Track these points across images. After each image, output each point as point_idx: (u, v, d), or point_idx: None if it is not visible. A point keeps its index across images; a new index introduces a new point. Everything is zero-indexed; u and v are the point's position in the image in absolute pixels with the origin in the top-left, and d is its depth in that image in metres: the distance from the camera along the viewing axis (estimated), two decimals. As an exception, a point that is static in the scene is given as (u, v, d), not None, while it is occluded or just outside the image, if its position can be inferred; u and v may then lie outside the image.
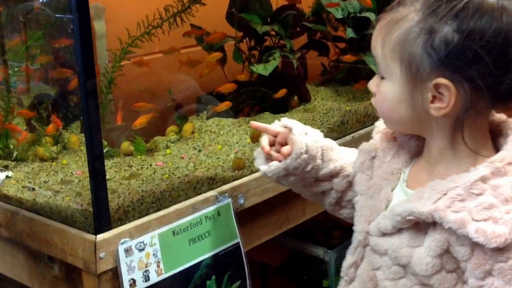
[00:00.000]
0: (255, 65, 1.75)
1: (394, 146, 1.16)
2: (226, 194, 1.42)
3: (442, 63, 0.98)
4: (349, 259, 1.15)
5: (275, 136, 1.23)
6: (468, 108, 1.00)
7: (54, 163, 1.48)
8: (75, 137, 1.53)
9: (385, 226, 1.06)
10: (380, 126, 1.20)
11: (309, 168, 1.21)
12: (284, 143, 1.22)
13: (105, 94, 1.55)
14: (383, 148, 1.16)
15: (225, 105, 1.68)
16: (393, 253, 1.05)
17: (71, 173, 1.43)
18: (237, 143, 1.58)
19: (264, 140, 1.23)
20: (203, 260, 1.35)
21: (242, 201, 1.45)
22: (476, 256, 0.97)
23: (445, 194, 0.99)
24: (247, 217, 1.48)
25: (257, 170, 1.50)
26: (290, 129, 1.22)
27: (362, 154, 1.19)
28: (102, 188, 1.25)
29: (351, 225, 1.22)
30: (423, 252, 1.02)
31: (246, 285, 1.42)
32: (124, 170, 1.43)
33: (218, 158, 1.51)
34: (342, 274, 1.16)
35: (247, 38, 1.85)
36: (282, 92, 1.76)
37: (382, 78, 1.07)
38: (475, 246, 0.97)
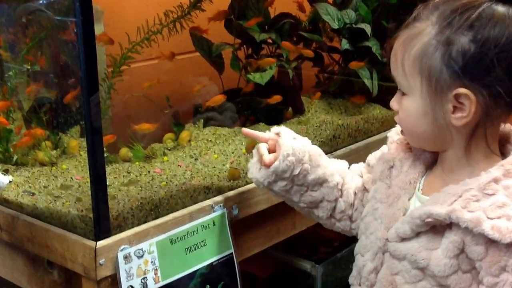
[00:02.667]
0: (251, 73, 1.77)
1: (411, 156, 1.21)
2: (221, 204, 1.45)
3: (461, 73, 1.04)
4: (369, 265, 1.19)
5: (265, 142, 1.29)
6: (486, 115, 1.06)
7: (53, 167, 1.50)
8: (75, 141, 1.55)
9: (404, 231, 1.12)
10: (393, 136, 1.26)
11: (297, 171, 1.25)
12: (275, 150, 1.27)
13: (104, 99, 1.57)
14: (400, 158, 1.22)
15: (219, 98, 1.70)
16: (412, 257, 1.10)
17: (71, 178, 1.45)
18: (232, 153, 1.61)
19: (263, 147, 1.28)
20: (198, 269, 1.38)
21: (236, 212, 1.48)
22: (491, 254, 1.03)
23: (460, 196, 1.06)
24: (239, 228, 1.51)
25: (252, 182, 1.55)
26: (278, 134, 1.28)
27: (381, 163, 1.24)
28: (103, 195, 1.27)
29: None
30: (440, 253, 1.07)
31: (238, 295, 1.45)
32: (123, 176, 1.45)
33: (214, 167, 1.54)
34: (363, 280, 1.21)
35: (244, 46, 1.87)
36: (275, 99, 1.78)
37: (403, 94, 1.13)
38: (489, 244, 1.03)
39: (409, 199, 1.18)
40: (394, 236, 1.14)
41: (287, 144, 1.25)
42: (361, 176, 1.34)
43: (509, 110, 1.08)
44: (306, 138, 1.31)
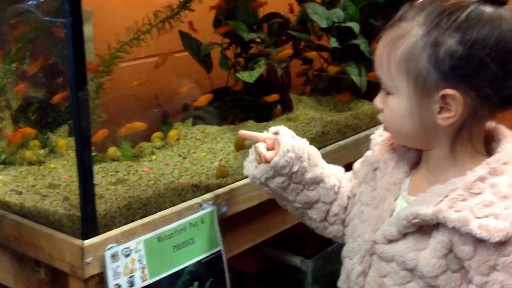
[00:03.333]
0: (240, 72, 1.78)
1: (394, 157, 1.21)
2: (210, 202, 1.45)
3: (448, 74, 1.04)
4: (357, 269, 1.19)
5: (263, 142, 1.29)
6: (473, 115, 1.06)
7: (41, 166, 1.50)
8: (63, 141, 1.56)
9: (391, 233, 1.12)
10: (376, 138, 1.26)
11: (295, 168, 1.25)
12: (273, 149, 1.28)
13: (93, 98, 1.57)
14: (384, 160, 1.22)
15: (205, 98, 1.70)
16: (400, 258, 1.10)
17: (59, 177, 1.46)
18: (221, 150, 1.61)
19: (261, 146, 1.28)
20: (186, 267, 1.38)
21: (225, 209, 1.49)
22: (479, 253, 1.03)
23: (446, 196, 1.06)
24: (229, 225, 1.51)
25: (241, 179, 1.55)
26: (277, 133, 1.28)
27: (365, 166, 1.25)
28: (90, 194, 1.28)
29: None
30: (429, 253, 1.07)
31: (226, 292, 1.46)
32: (111, 175, 1.46)
33: (202, 165, 1.54)
34: (352, 284, 1.21)
35: (233, 45, 1.88)
36: (273, 97, 1.81)
37: (388, 93, 1.12)
38: (478, 243, 1.02)
39: (395, 200, 1.17)
40: (381, 238, 1.14)
41: (287, 141, 1.26)
42: (351, 182, 1.35)
43: (494, 109, 1.09)
44: (305, 139, 1.31)
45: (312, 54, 1.94)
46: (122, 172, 1.47)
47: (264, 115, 1.81)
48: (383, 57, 1.10)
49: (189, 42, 1.82)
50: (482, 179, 1.05)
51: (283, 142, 1.25)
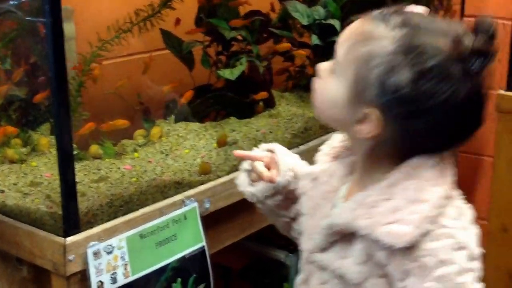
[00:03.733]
0: (222, 69, 1.78)
1: (332, 166, 1.20)
2: (193, 198, 1.46)
3: (385, 101, 1.01)
4: (301, 276, 1.19)
5: (260, 160, 1.27)
6: (387, 141, 1.04)
7: (23, 165, 1.50)
8: (45, 139, 1.55)
9: (320, 241, 1.11)
10: (324, 149, 1.25)
11: (292, 186, 1.25)
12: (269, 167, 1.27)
13: (74, 97, 1.57)
14: (323, 169, 1.21)
15: (190, 94, 1.72)
16: (330, 266, 1.09)
17: (40, 175, 1.46)
18: (203, 147, 1.62)
19: (260, 165, 1.26)
20: (169, 263, 1.39)
21: (208, 205, 1.49)
22: (393, 259, 1.01)
23: (361, 204, 1.04)
24: (212, 221, 1.52)
25: (223, 175, 1.56)
26: (273, 151, 1.28)
27: (303, 177, 1.24)
28: (72, 192, 1.28)
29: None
30: (351, 261, 1.06)
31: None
32: (93, 173, 1.46)
33: (185, 162, 1.55)
34: None
35: (215, 43, 1.88)
36: (262, 95, 1.82)
37: (334, 71, 1.09)
38: (390, 249, 1.00)
39: (331, 208, 1.15)
40: (314, 246, 1.13)
41: (286, 160, 1.26)
42: None
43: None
44: (296, 155, 1.31)
45: (301, 53, 1.94)
46: (104, 170, 1.47)
47: (246, 112, 1.81)
48: (349, 41, 1.06)
49: (171, 40, 1.82)
50: (393, 185, 1.03)
51: (282, 162, 1.25)
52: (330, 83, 1.09)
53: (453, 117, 1.01)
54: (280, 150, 1.28)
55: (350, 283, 1.07)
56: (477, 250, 1.02)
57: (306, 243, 1.17)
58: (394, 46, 1.00)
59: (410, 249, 0.99)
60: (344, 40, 1.08)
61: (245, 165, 1.31)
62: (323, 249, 1.11)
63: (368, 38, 1.04)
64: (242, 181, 1.30)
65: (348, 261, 1.07)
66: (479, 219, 2.94)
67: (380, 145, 1.06)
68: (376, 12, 1.06)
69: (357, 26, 1.07)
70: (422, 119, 1.01)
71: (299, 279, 1.19)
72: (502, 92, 2.29)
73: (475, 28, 1.01)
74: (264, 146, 1.31)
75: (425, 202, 1.01)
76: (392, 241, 0.99)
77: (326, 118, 1.13)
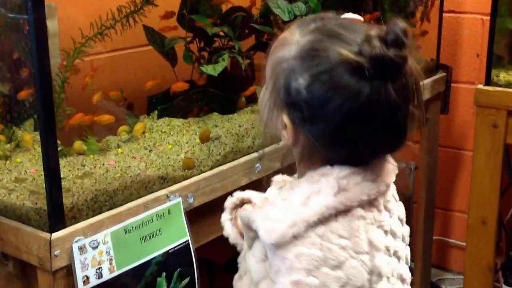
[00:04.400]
0: (204, 65, 1.80)
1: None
2: (177, 193, 1.47)
3: (290, 106, 1.02)
4: (237, 273, 1.20)
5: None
6: (307, 149, 1.05)
7: (7, 161, 1.51)
8: (29, 135, 1.56)
9: (246, 239, 1.10)
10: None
11: None
12: None
13: (58, 93, 1.58)
14: (291, 180, 1.22)
15: (182, 85, 1.74)
16: (248, 265, 1.09)
17: (25, 171, 1.46)
18: (187, 143, 1.63)
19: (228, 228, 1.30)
20: (154, 258, 1.40)
21: (191, 200, 1.51)
22: (270, 257, 1.00)
23: (267, 203, 1.06)
24: (196, 215, 1.54)
25: (206, 170, 1.57)
26: (250, 200, 1.29)
27: (272, 186, 1.25)
28: (57, 188, 1.29)
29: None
30: (254, 260, 1.05)
31: (194, 281, 1.48)
32: (78, 169, 1.47)
33: (168, 158, 1.56)
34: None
35: (197, 39, 1.90)
36: (251, 90, 1.84)
37: None
38: (269, 246, 0.99)
39: None
40: (245, 247, 1.13)
41: None
42: None
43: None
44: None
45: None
46: (89, 166, 1.48)
47: (228, 108, 1.83)
48: (271, 48, 1.08)
49: (153, 36, 1.83)
50: (294, 186, 1.05)
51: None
52: (262, 93, 1.11)
53: (354, 125, 0.99)
54: (256, 199, 1.28)
55: (253, 281, 1.06)
56: (353, 276, 0.99)
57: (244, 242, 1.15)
58: (297, 51, 1.01)
59: (279, 247, 0.98)
60: (270, 48, 1.09)
61: (226, 215, 1.32)
62: (250, 246, 1.08)
63: (282, 44, 1.05)
64: (229, 231, 1.31)
65: (253, 259, 1.06)
66: (460, 212, 3.01)
67: (304, 152, 1.06)
68: (300, 19, 1.08)
69: (282, 33, 1.08)
70: (321, 125, 1.01)
71: (236, 275, 1.20)
72: (480, 86, 2.32)
73: (384, 35, 0.98)
74: (238, 194, 1.31)
75: (308, 206, 0.99)
76: (264, 236, 0.98)
77: (265, 124, 1.12)
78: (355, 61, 0.97)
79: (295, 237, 0.97)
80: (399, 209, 1.15)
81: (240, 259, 1.21)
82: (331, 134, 1.01)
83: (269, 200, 1.08)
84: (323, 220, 0.99)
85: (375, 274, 1.02)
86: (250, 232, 1.05)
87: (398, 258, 1.11)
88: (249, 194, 1.30)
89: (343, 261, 0.99)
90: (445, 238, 3.01)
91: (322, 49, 0.99)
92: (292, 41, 1.03)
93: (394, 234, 1.10)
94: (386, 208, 1.09)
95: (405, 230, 1.17)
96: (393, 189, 1.14)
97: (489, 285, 2.42)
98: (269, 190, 1.24)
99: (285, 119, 1.03)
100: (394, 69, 0.97)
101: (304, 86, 0.99)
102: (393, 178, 1.11)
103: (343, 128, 1.00)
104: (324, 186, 1.01)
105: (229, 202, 1.32)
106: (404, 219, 1.17)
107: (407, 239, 1.17)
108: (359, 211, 1.02)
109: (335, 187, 1.01)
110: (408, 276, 1.15)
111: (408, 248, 1.17)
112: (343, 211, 1.01)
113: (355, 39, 0.99)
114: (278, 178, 1.24)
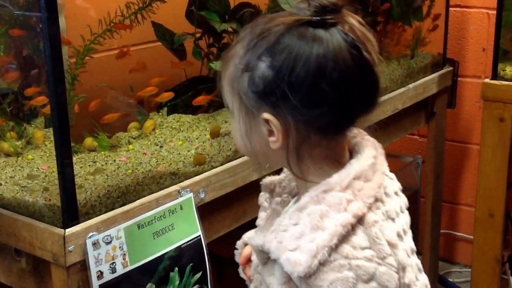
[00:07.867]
0: (213, 62, 1.80)
1: (289, 175, 1.20)
2: (188, 189, 1.48)
3: (263, 98, 1.00)
4: (252, 285, 1.20)
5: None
6: (304, 139, 1.02)
7: (19, 158, 1.52)
8: (40, 132, 1.57)
9: (256, 257, 1.11)
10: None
11: None
12: None
13: (68, 90, 1.58)
14: (279, 180, 1.22)
15: (168, 95, 1.74)
16: (266, 280, 1.08)
17: (37, 168, 1.47)
18: (197, 138, 1.64)
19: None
20: (166, 253, 1.41)
21: (202, 196, 1.52)
22: (303, 283, 0.98)
23: (276, 227, 1.02)
24: (207, 211, 1.54)
25: (217, 166, 1.58)
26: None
27: (262, 191, 1.24)
28: (71, 184, 1.30)
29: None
30: (275, 280, 1.04)
31: (206, 276, 1.49)
32: (89, 165, 1.48)
33: (179, 153, 1.57)
34: None
35: (206, 36, 1.90)
36: None
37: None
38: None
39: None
40: (256, 260, 1.13)
41: None
42: None
43: (327, 135, 1.03)
44: None
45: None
46: (100, 162, 1.49)
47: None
48: (221, 78, 1.07)
49: (162, 33, 1.84)
50: (301, 208, 1.01)
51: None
52: (232, 126, 1.10)
53: (325, 78, 0.97)
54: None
55: None
56: (386, 281, 0.99)
57: (254, 255, 1.16)
58: (243, 50, 1.02)
59: (309, 278, 0.96)
60: (218, 80, 1.08)
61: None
62: (264, 263, 1.08)
63: (228, 61, 1.05)
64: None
65: (274, 279, 1.05)
66: (467, 205, 3.02)
67: (292, 149, 1.03)
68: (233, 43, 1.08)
69: (221, 63, 1.09)
70: (299, 95, 0.98)
71: (251, 286, 1.20)
72: (487, 80, 2.33)
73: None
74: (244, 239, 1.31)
75: (324, 230, 0.98)
76: (290, 269, 0.97)
77: (250, 154, 1.11)
78: (298, 19, 0.98)
79: (322, 264, 0.96)
80: (390, 182, 1.13)
81: (252, 271, 1.20)
82: (310, 98, 0.99)
83: (277, 223, 1.04)
84: (343, 238, 0.98)
85: (401, 269, 1.02)
86: (264, 253, 1.04)
87: (405, 233, 1.10)
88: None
89: (374, 272, 0.98)
90: (452, 231, 3.02)
91: (264, 30, 1.00)
92: (236, 48, 1.04)
93: (397, 214, 1.09)
94: (385, 193, 1.08)
95: (402, 201, 1.14)
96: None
97: (496, 278, 2.43)
98: (260, 196, 1.24)
99: (266, 115, 1.01)
100: (337, 11, 0.99)
101: (267, 66, 0.99)
102: (386, 163, 1.11)
103: (318, 86, 0.98)
104: (331, 205, 1.00)
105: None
106: (399, 190, 1.15)
107: (404, 207, 1.14)
108: (371, 216, 1.02)
109: (342, 202, 1.00)
110: (413, 244, 1.14)
111: (407, 213, 1.15)
112: (358, 221, 1.00)
113: (288, 10, 1.02)
114: (266, 181, 1.23)
